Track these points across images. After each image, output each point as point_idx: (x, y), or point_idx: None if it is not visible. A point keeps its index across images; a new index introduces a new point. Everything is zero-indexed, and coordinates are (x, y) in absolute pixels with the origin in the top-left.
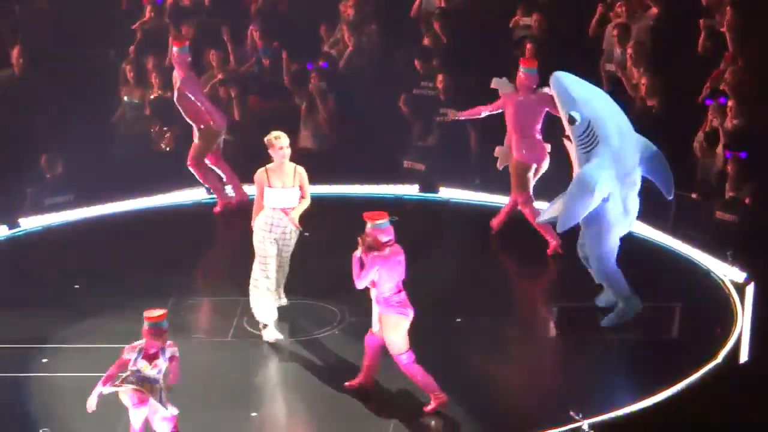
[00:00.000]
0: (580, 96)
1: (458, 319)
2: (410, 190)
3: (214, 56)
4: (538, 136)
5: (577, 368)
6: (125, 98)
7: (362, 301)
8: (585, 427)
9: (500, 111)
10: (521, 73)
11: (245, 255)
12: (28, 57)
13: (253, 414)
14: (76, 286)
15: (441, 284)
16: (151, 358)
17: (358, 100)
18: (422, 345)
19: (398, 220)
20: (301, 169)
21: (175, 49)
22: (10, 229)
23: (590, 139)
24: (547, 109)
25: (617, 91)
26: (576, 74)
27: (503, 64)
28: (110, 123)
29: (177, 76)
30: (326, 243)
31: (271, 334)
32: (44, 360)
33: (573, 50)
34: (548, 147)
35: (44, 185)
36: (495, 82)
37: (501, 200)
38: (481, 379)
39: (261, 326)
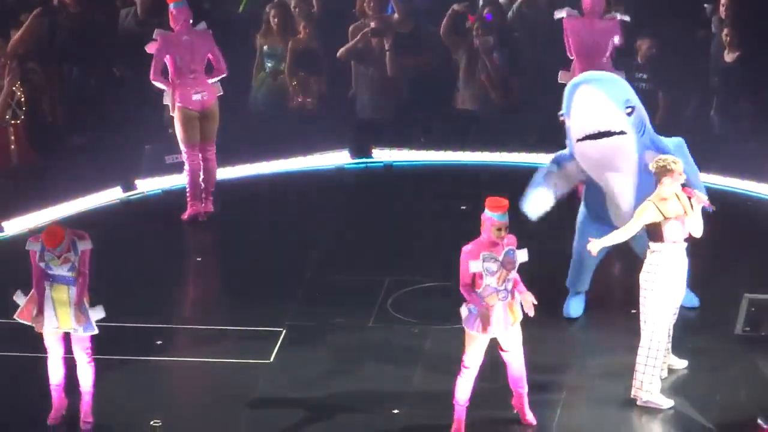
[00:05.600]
0: None
1: None
2: None
3: (369, 2)
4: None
5: None
6: (265, 47)
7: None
8: None
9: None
10: None
11: (395, 230)
12: None
13: (395, 411)
14: (198, 259)
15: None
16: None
17: (525, 58)
18: None
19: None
20: None
21: None
22: (125, 191)
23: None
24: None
25: None
26: None
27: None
28: (244, 75)
29: None
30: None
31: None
32: (158, 342)
33: None
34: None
35: (165, 142)
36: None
37: None
38: None
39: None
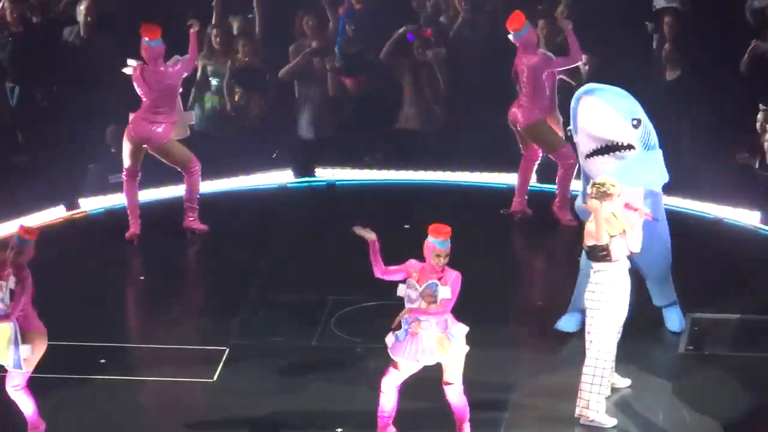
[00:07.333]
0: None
1: None
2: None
3: (308, 22)
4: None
5: None
6: (209, 67)
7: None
8: None
9: None
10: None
11: (338, 249)
12: (97, 14)
13: (339, 430)
14: (141, 278)
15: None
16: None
17: (467, 77)
18: None
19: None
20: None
21: None
22: (68, 210)
23: (650, 136)
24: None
25: None
26: None
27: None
28: (185, 94)
29: None
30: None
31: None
32: (102, 360)
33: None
34: None
35: (108, 161)
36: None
37: None
38: None
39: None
